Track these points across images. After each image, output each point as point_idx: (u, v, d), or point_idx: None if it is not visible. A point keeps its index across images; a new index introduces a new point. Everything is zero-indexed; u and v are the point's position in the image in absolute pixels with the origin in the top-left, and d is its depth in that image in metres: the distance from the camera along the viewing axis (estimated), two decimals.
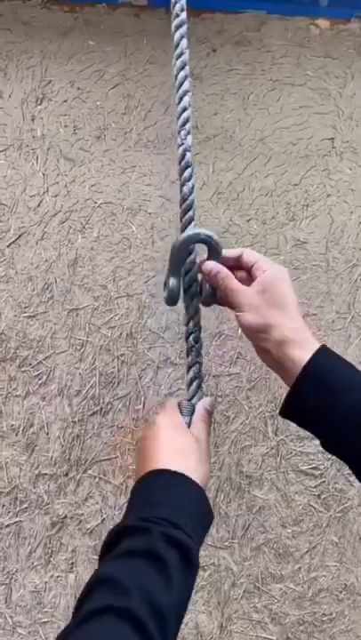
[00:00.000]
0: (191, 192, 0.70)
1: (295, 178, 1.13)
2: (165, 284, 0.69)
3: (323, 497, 1.09)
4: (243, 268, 0.66)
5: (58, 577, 1.00)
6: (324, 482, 1.09)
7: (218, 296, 0.67)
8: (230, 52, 1.12)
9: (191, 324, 0.71)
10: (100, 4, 1.08)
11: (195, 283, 0.70)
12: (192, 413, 0.64)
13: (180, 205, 0.70)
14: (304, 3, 1.13)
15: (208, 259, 0.68)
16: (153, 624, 0.42)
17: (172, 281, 0.68)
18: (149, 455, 0.56)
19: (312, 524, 1.08)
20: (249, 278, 0.65)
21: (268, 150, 1.12)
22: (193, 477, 0.54)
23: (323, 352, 0.59)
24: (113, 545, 0.48)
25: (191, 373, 0.69)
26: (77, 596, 1.01)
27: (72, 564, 1.01)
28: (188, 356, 0.69)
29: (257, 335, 0.61)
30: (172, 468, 0.53)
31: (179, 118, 0.71)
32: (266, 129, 1.12)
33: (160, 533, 0.47)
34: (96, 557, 1.02)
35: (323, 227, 1.13)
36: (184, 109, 0.72)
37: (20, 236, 1.03)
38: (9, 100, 1.05)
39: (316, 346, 0.59)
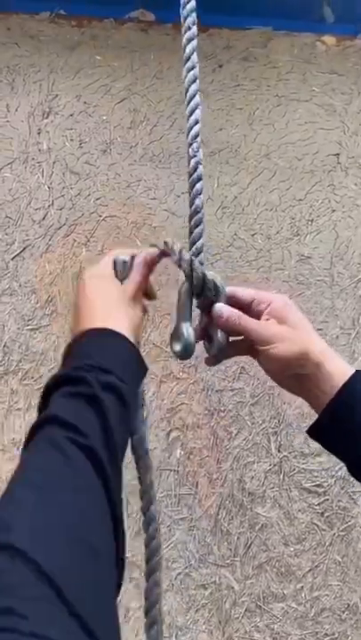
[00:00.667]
0: (202, 206, 0.69)
1: (300, 193, 1.13)
2: (174, 334, 0.63)
3: (326, 515, 1.09)
4: (240, 306, 0.64)
5: None
6: (328, 500, 1.09)
7: (227, 345, 0.62)
8: (237, 68, 1.13)
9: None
10: (107, 18, 1.09)
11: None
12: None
13: (190, 219, 0.68)
14: (310, 19, 1.14)
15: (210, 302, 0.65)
16: (104, 451, 0.43)
17: (186, 328, 0.62)
18: (77, 312, 0.57)
19: (315, 542, 1.07)
20: (250, 315, 0.63)
21: (274, 165, 1.12)
22: (121, 326, 0.54)
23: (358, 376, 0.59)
24: (50, 392, 0.49)
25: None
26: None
27: None
28: None
29: (293, 364, 0.59)
30: (99, 323, 0.54)
31: (190, 131, 0.71)
32: (271, 144, 1.12)
33: (95, 378, 0.48)
34: None
35: (327, 242, 1.13)
36: (196, 122, 0.71)
37: (24, 248, 1.03)
38: (15, 114, 1.06)
39: (350, 368, 0.59)
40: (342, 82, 1.16)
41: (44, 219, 1.04)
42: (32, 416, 1.02)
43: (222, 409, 1.09)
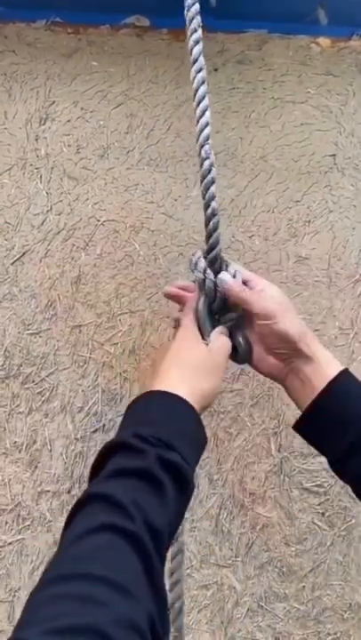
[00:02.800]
0: (218, 209, 0.70)
1: (297, 194, 1.15)
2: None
3: (327, 515, 1.10)
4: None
5: None
6: (329, 499, 1.11)
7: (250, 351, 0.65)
8: (232, 71, 1.15)
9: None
10: (103, 25, 1.12)
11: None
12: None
13: (207, 224, 0.70)
14: (305, 21, 1.16)
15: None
16: (150, 542, 0.42)
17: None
18: (161, 364, 0.57)
19: (316, 542, 1.09)
20: None
21: (270, 167, 1.14)
22: (195, 395, 0.54)
23: (348, 372, 0.60)
24: (106, 459, 0.48)
25: None
26: None
27: None
28: None
29: (291, 341, 0.61)
30: (174, 381, 0.53)
31: (200, 134, 0.72)
32: (268, 146, 1.15)
33: (156, 455, 0.47)
34: None
35: (325, 243, 1.15)
36: (206, 124, 0.72)
37: (23, 253, 1.06)
38: (13, 121, 1.09)
39: (336, 362, 0.61)
40: (338, 83, 1.18)
41: (42, 224, 1.06)
42: (34, 419, 1.05)
43: (222, 410, 1.11)
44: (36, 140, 1.09)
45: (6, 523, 1.01)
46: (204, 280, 0.67)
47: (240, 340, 0.66)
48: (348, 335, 1.14)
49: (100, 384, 1.06)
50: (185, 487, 0.48)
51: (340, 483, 1.12)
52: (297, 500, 1.10)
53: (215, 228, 0.71)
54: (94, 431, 1.06)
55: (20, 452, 1.03)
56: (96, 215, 1.08)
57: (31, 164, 1.08)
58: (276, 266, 1.14)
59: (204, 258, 0.69)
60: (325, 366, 0.60)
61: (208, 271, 0.67)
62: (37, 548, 1.02)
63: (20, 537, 1.02)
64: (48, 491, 1.03)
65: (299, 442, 1.11)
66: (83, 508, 0.44)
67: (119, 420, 1.09)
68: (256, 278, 0.66)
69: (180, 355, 0.57)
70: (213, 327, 0.66)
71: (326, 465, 1.12)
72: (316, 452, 1.13)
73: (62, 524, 1.03)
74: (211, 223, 0.70)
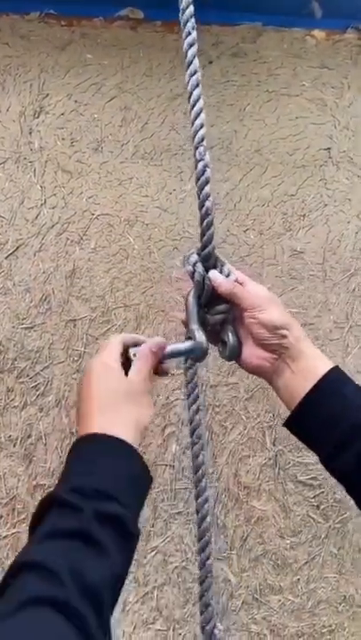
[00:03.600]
0: (212, 208, 0.71)
1: (292, 188, 1.15)
2: (187, 337, 0.67)
3: (322, 508, 1.11)
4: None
5: None
6: (323, 492, 1.11)
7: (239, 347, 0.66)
8: (227, 64, 1.15)
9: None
10: (97, 17, 1.12)
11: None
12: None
13: (201, 223, 0.70)
14: (300, 14, 1.16)
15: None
16: (87, 609, 0.41)
17: (197, 331, 0.65)
18: (82, 406, 0.54)
19: (311, 535, 1.10)
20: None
21: (265, 161, 1.15)
22: (128, 429, 0.52)
23: (337, 369, 0.61)
24: (44, 514, 0.47)
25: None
26: None
27: None
28: None
29: (279, 330, 0.62)
30: (104, 422, 0.51)
31: (195, 135, 0.72)
32: (262, 140, 1.15)
33: (92, 510, 0.45)
34: None
35: (320, 236, 1.15)
36: (201, 126, 0.73)
37: (17, 247, 1.06)
38: (7, 114, 1.09)
39: (323, 356, 0.62)
40: (333, 76, 1.18)
41: (36, 218, 1.07)
42: (28, 413, 1.05)
43: (217, 404, 1.11)
44: (30, 133, 1.09)
45: (1, 516, 1.02)
46: (193, 272, 0.68)
47: (229, 334, 0.67)
48: (343, 329, 1.15)
49: None
50: (127, 536, 0.47)
51: None
52: (292, 492, 1.10)
53: (209, 226, 0.71)
54: None
55: (14, 445, 1.04)
56: (90, 209, 1.08)
57: (25, 158, 1.08)
58: (271, 260, 1.14)
59: (198, 255, 0.70)
60: (314, 363, 0.60)
61: (198, 264, 0.68)
62: None
63: (15, 530, 1.02)
64: (43, 484, 1.03)
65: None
66: (14, 578, 0.42)
67: None
68: (246, 278, 0.67)
69: (100, 391, 0.54)
70: (201, 320, 0.67)
71: None
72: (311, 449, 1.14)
73: None
74: (205, 222, 0.71)
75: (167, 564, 1.07)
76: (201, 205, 0.70)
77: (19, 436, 1.04)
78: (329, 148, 1.17)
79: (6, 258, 1.05)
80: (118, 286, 1.09)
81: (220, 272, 0.69)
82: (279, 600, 1.09)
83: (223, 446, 1.10)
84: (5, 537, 1.02)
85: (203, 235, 0.71)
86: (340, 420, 0.58)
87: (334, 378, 0.60)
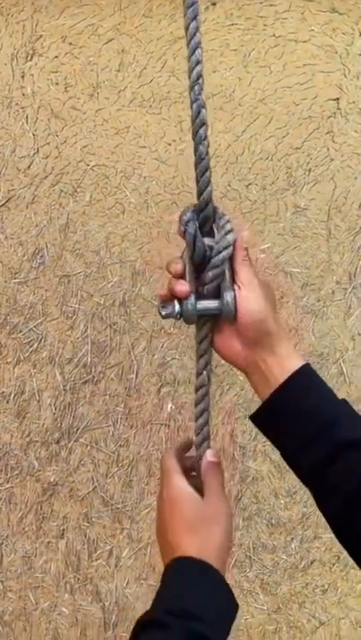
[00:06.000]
0: (207, 152, 0.67)
1: (297, 141, 1.11)
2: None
3: None
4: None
5: (49, 543, 1.03)
6: None
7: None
8: (231, 6, 1.09)
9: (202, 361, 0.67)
10: None
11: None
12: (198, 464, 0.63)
13: (196, 167, 0.67)
14: None
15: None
16: None
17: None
18: (166, 536, 0.57)
19: (306, 495, 1.11)
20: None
21: (270, 111, 1.10)
22: (214, 557, 0.54)
23: (308, 367, 0.60)
24: (137, 634, 0.50)
25: (201, 420, 0.67)
26: (68, 562, 1.05)
27: (63, 530, 1.04)
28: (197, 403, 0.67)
29: (265, 313, 0.61)
30: (191, 550, 0.54)
31: (191, 72, 0.68)
32: (267, 88, 1.10)
33: (180, 627, 0.49)
34: (87, 524, 1.06)
35: (325, 193, 1.12)
36: (197, 63, 0.68)
37: (9, 199, 1.03)
38: None
39: (301, 359, 0.61)
40: (343, 21, 1.12)
41: (29, 167, 1.03)
42: (21, 369, 1.04)
43: (214, 364, 1.10)
44: (22, 77, 1.05)
45: None
46: (184, 232, 0.64)
47: (225, 295, 0.62)
48: (346, 290, 1.13)
49: (89, 335, 1.06)
50: None
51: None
52: None
53: (203, 172, 0.68)
54: (84, 382, 1.06)
55: (7, 402, 1.03)
56: (85, 159, 1.05)
57: (17, 103, 1.04)
58: (274, 217, 1.11)
59: (193, 212, 0.66)
60: (287, 360, 0.59)
61: (190, 223, 0.64)
62: (26, 496, 1.03)
63: (8, 486, 1.03)
64: (36, 441, 1.04)
65: None
66: None
67: (109, 371, 1.10)
68: (243, 270, 0.63)
69: (184, 517, 0.56)
70: (195, 279, 0.64)
71: None
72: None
73: (51, 474, 1.05)
74: (199, 167, 0.67)
75: None
76: (195, 149, 0.67)
77: (12, 392, 1.03)
78: (338, 99, 1.12)
79: None
80: (114, 241, 1.06)
81: (218, 229, 0.65)
82: (272, 559, 1.10)
83: (219, 406, 1.10)
84: None
85: (197, 182, 0.68)
86: (305, 418, 0.57)
87: (303, 377, 0.59)
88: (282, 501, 1.10)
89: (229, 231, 0.64)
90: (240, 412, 1.10)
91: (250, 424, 1.10)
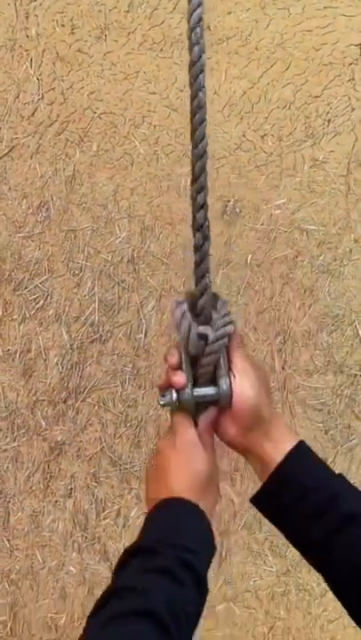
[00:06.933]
0: (205, 102, 0.63)
1: (316, 89, 1.06)
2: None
3: (330, 432, 1.09)
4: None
5: (56, 502, 1.03)
6: (332, 417, 1.09)
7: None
8: None
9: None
10: None
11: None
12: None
13: (192, 118, 0.63)
14: None
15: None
16: (172, 623, 0.47)
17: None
18: (166, 481, 0.60)
19: (320, 454, 1.09)
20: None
21: (288, 56, 1.04)
22: (201, 505, 0.58)
23: (304, 445, 0.63)
24: (126, 563, 0.53)
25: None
26: (76, 521, 1.05)
27: (71, 489, 1.03)
28: None
29: (262, 399, 0.63)
30: (190, 495, 0.58)
31: (192, 14, 0.64)
32: (286, 32, 1.04)
33: (175, 556, 0.51)
34: (95, 484, 1.05)
35: (345, 145, 1.07)
36: (199, 4, 0.64)
37: (12, 148, 0.99)
38: None
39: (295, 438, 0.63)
40: None
41: (33, 114, 0.99)
42: (27, 327, 1.02)
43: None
44: (27, 17, 0.99)
45: (0, 430, 1.01)
46: (179, 325, 0.62)
47: (223, 386, 0.62)
48: None
49: (96, 293, 1.03)
50: (203, 589, 0.53)
51: (345, 401, 1.11)
52: (299, 416, 1.08)
53: (200, 123, 0.64)
54: (91, 342, 1.03)
55: (13, 360, 1.01)
56: (92, 106, 1.00)
57: (20, 46, 0.99)
58: (290, 170, 1.06)
59: (188, 303, 0.63)
60: (282, 444, 0.62)
61: (184, 319, 0.62)
62: (33, 455, 1.02)
63: (15, 444, 1.02)
64: (43, 400, 1.02)
65: (304, 359, 1.09)
66: (109, 599, 0.50)
67: (117, 331, 1.07)
68: (238, 360, 0.64)
69: (190, 472, 0.60)
70: (192, 365, 0.64)
71: (331, 383, 1.10)
72: (322, 369, 1.11)
73: (58, 433, 1.04)
74: (196, 118, 0.63)
75: None
76: (193, 97, 0.62)
77: (17, 350, 1.01)
78: (360, 44, 1.06)
79: (0, 158, 0.98)
80: (122, 195, 1.02)
81: (216, 318, 0.62)
82: None
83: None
84: (5, 450, 1.02)
85: (193, 132, 0.63)
86: (303, 495, 0.60)
87: (298, 456, 0.62)
88: None
89: (228, 323, 0.63)
90: None
91: None
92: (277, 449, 0.61)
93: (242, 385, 0.62)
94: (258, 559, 1.08)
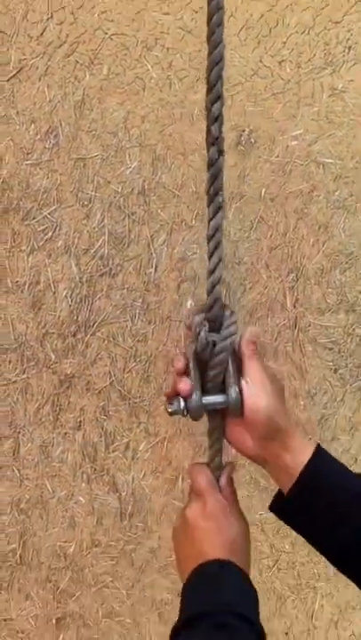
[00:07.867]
0: (221, 22, 0.60)
1: (337, 14, 1.01)
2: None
3: (340, 372, 1.09)
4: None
5: (66, 434, 1.04)
6: (342, 357, 1.09)
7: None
8: None
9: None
10: None
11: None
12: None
13: (208, 40, 0.60)
14: None
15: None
16: None
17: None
18: (197, 553, 0.61)
19: (326, 397, 1.09)
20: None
21: None
22: (246, 570, 0.61)
23: (322, 449, 0.65)
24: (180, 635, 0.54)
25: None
26: (85, 453, 1.06)
27: (80, 422, 1.04)
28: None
29: (279, 408, 0.64)
30: (229, 556, 0.60)
31: None
32: None
33: (226, 613, 0.52)
34: (104, 417, 1.06)
35: None
36: None
37: (20, 69, 0.95)
38: None
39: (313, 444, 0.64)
40: None
41: (42, 34, 0.95)
42: (36, 258, 1.01)
43: (237, 261, 1.06)
44: None
45: (10, 362, 1.02)
46: (197, 335, 0.65)
47: (232, 394, 0.64)
48: None
49: (106, 225, 1.01)
50: (262, 637, 0.54)
51: (357, 340, 1.10)
52: (310, 355, 1.08)
53: (216, 45, 0.61)
54: (101, 275, 1.02)
55: (22, 291, 1.01)
56: (103, 27, 0.96)
57: None
58: (308, 99, 1.02)
59: (203, 315, 0.67)
60: (300, 453, 0.63)
61: (203, 326, 0.65)
62: (43, 388, 1.03)
63: (24, 376, 1.02)
64: (53, 333, 1.02)
65: (317, 297, 1.08)
66: None
67: (127, 264, 1.06)
68: (252, 366, 0.66)
69: (226, 536, 0.62)
70: (199, 375, 0.66)
71: (343, 322, 1.10)
72: (334, 308, 1.10)
73: (68, 366, 1.04)
74: (211, 41, 0.60)
75: (177, 418, 1.07)
76: (209, 18, 0.60)
77: (26, 281, 1.00)
78: None
79: (8, 80, 0.95)
80: (133, 122, 0.99)
81: (224, 326, 0.66)
82: None
83: (241, 305, 1.06)
84: (15, 382, 1.03)
85: (210, 54, 0.61)
86: (341, 489, 0.61)
87: (316, 464, 0.62)
88: (301, 402, 1.09)
89: (234, 331, 0.67)
90: (262, 311, 1.07)
91: (272, 324, 1.07)
92: (297, 460, 0.62)
93: (254, 394, 0.62)
94: (264, 493, 1.09)
